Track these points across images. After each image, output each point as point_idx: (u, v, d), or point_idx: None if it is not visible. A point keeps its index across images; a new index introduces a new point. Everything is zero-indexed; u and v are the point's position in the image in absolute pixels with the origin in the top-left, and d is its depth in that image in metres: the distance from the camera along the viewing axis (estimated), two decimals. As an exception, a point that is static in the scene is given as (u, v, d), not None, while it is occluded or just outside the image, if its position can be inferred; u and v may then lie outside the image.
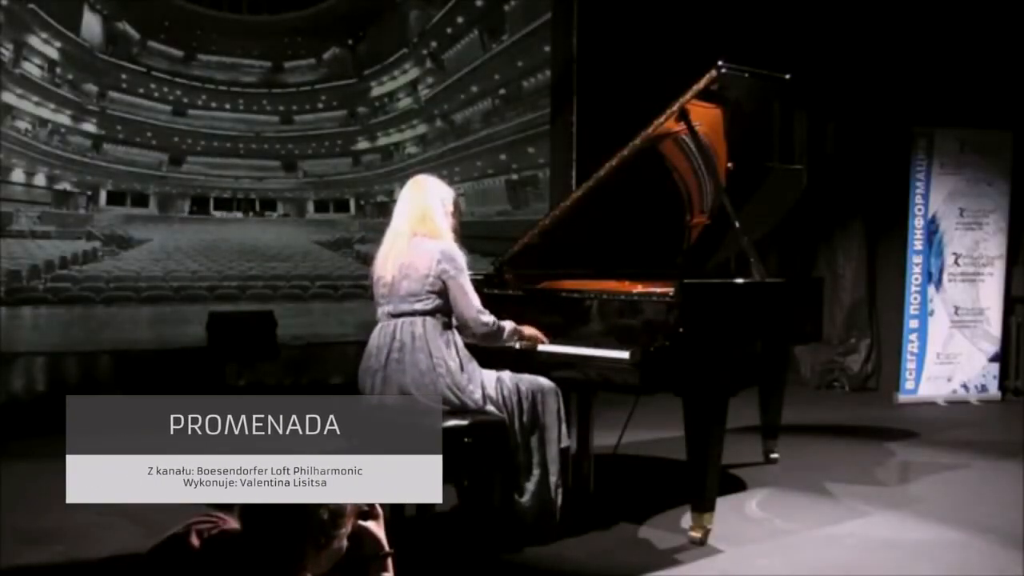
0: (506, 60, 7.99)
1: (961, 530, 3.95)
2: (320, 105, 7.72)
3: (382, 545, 2.29)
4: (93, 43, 6.95)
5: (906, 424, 6.25)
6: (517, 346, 3.73)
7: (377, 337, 3.57)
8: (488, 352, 3.67)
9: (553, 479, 3.60)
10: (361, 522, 2.22)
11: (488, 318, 3.56)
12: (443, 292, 3.51)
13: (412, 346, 3.47)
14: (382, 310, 3.59)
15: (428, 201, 3.60)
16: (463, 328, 3.57)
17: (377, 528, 2.29)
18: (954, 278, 7.18)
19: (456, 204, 3.72)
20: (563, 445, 3.65)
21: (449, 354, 3.50)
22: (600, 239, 4.35)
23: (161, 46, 7.20)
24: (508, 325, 3.64)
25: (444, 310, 3.53)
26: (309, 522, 2.06)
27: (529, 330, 3.76)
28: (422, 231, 3.56)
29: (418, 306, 3.51)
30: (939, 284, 7.16)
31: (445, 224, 3.61)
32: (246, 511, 2.09)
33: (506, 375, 3.61)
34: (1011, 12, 6.86)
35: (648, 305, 3.75)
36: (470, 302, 3.52)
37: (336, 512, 2.10)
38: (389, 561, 2.31)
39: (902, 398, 7.10)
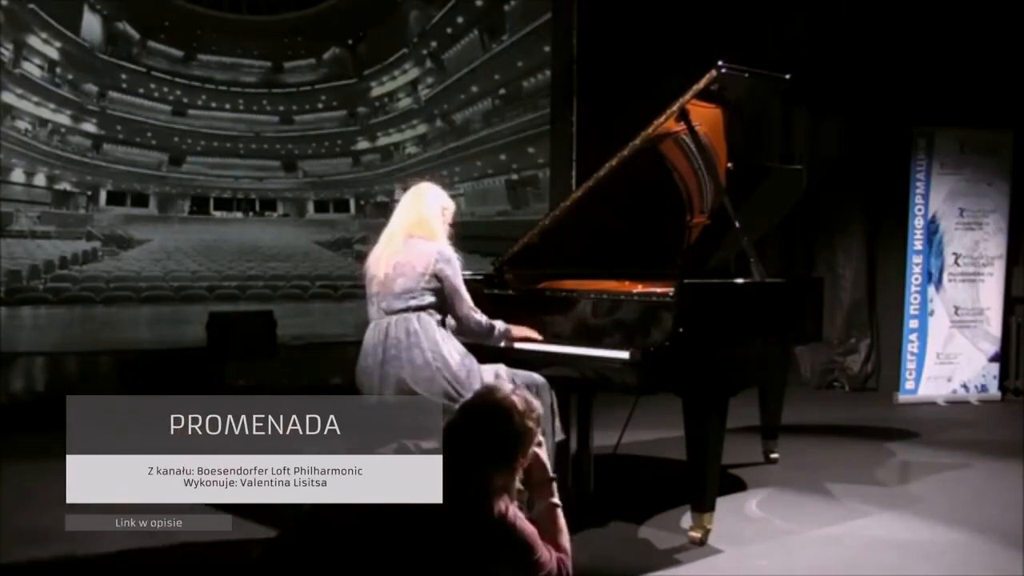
0: (506, 60, 7.99)
1: (961, 530, 3.95)
2: (320, 105, 7.72)
3: (547, 470, 2.43)
4: (93, 43, 6.95)
5: (906, 424, 6.24)
6: (502, 344, 3.77)
7: (372, 335, 3.60)
8: (487, 349, 3.71)
9: (549, 475, 3.61)
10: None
11: (480, 316, 3.67)
12: (438, 290, 3.57)
13: (407, 342, 3.51)
14: (374, 307, 3.63)
15: (428, 209, 3.67)
16: (457, 325, 3.66)
17: (542, 453, 2.39)
18: (954, 278, 7.17)
19: (454, 215, 3.78)
20: (557, 439, 3.68)
21: (445, 347, 3.54)
22: (600, 239, 4.34)
23: (161, 46, 7.21)
24: (500, 324, 3.73)
25: (437, 307, 3.59)
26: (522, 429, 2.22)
27: (519, 331, 3.82)
28: (418, 233, 3.63)
29: (412, 303, 3.55)
30: (939, 284, 7.16)
31: (442, 230, 3.68)
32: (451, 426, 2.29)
33: (502, 369, 3.64)
34: (1011, 12, 6.86)
35: (648, 305, 3.75)
36: (464, 300, 3.62)
37: (535, 421, 2.28)
38: (554, 485, 2.44)
39: (902, 398, 7.09)
